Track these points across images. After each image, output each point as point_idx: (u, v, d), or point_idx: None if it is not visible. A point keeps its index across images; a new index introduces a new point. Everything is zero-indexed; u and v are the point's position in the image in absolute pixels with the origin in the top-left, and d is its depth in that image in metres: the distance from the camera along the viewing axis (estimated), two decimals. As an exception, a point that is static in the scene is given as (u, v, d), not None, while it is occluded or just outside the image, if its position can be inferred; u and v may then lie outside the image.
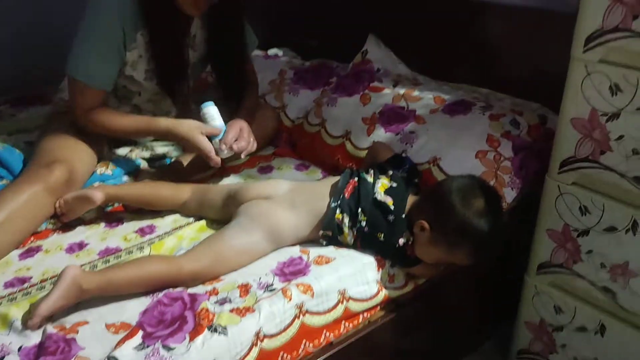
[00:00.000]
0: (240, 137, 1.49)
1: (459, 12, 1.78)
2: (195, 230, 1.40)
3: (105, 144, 1.62)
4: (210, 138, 1.46)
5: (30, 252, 1.33)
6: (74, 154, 1.46)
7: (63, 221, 1.40)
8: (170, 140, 1.64)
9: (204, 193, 1.45)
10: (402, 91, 1.71)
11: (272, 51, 2.22)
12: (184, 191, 1.45)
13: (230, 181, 1.60)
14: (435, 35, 1.83)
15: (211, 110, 1.50)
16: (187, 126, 1.45)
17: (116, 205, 1.48)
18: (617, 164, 1.25)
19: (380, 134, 1.63)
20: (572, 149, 1.30)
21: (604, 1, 1.17)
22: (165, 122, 1.47)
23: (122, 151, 1.64)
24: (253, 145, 1.52)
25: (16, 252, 1.33)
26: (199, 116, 1.50)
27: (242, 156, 1.52)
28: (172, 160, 1.65)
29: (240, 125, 1.51)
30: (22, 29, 2.09)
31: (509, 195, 1.44)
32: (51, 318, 1.10)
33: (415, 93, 1.70)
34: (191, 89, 1.68)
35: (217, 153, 1.46)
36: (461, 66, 1.82)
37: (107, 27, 1.40)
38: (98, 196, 1.38)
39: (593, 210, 1.30)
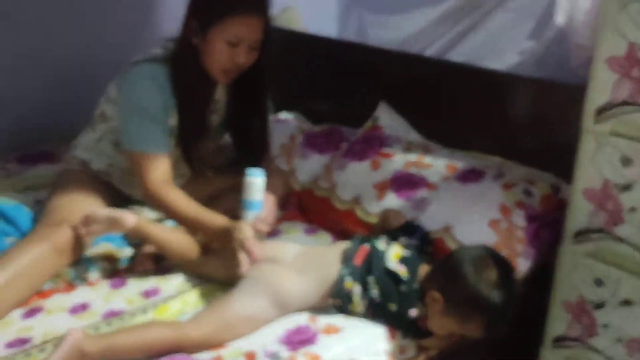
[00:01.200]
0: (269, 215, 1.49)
1: (472, 80, 1.81)
2: (200, 295, 1.38)
3: (113, 204, 1.61)
4: (243, 205, 1.43)
5: (32, 312, 1.30)
6: (82, 214, 1.45)
7: (83, 237, 1.38)
8: (217, 241, 1.49)
9: (206, 258, 1.42)
10: (413, 158, 1.71)
11: (282, 115, 2.24)
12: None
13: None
14: (447, 103, 1.85)
15: (259, 182, 1.41)
16: (242, 234, 1.36)
17: (123, 265, 1.46)
18: (630, 236, 1.24)
19: (392, 200, 1.62)
20: (585, 220, 1.29)
21: (612, 75, 1.19)
22: (223, 222, 1.41)
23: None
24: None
25: (19, 312, 1.30)
26: (212, 181, 1.49)
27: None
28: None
29: (272, 203, 1.50)
30: (34, 85, 2.12)
31: (523, 265, 1.42)
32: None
33: (427, 160, 1.70)
34: (210, 153, 1.69)
35: (243, 217, 1.43)
36: (473, 134, 1.82)
37: (148, 96, 1.43)
38: (130, 221, 1.37)
39: (608, 282, 1.28)
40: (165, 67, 1.45)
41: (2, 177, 1.86)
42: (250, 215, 1.42)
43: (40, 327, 1.25)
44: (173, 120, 1.50)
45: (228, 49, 1.41)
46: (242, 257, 1.32)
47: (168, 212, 1.47)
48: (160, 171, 1.45)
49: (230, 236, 1.36)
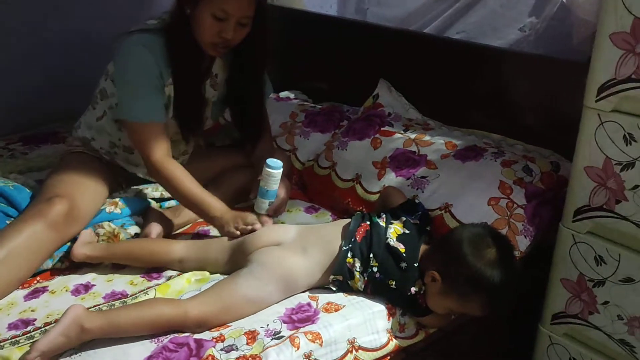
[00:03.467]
0: (282, 204, 1.50)
1: (472, 58, 1.79)
2: (203, 275, 1.38)
3: (116, 183, 1.62)
4: (260, 194, 1.45)
5: (35, 293, 1.31)
6: (77, 189, 1.44)
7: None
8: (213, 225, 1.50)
9: (204, 250, 1.40)
10: (413, 136, 1.71)
11: (283, 94, 2.24)
12: (177, 247, 1.40)
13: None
14: (447, 80, 1.84)
15: (277, 173, 1.43)
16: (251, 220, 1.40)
17: None
18: (632, 214, 1.23)
19: (391, 179, 1.62)
20: (586, 198, 1.28)
21: (616, 51, 1.17)
22: (224, 209, 1.43)
23: (133, 191, 1.64)
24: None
25: (22, 293, 1.31)
26: (215, 160, 1.48)
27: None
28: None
29: (286, 191, 1.51)
30: (37, 65, 2.11)
31: (522, 243, 1.42)
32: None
33: (427, 138, 1.70)
34: (208, 129, 1.69)
35: (256, 208, 1.46)
36: (473, 112, 1.82)
37: (144, 66, 1.42)
38: (78, 257, 1.37)
39: (608, 260, 1.27)
40: (160, 36, 1.45)
41: (6, 158, 1.87)
42: (264, 204, 1.45)
43: (43, 309, 1.26)
44: (169, 90, 1.49)
45: (215, 23, 1.40)
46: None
47: (171, 188, 1.47)
48: (161, 143, 1.45)
49: (230, 222, 1.38)
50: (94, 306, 1.27)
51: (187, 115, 1.55)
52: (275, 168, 1.42)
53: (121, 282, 1.36)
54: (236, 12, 1.39)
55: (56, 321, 1.18)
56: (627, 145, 1.20)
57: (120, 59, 1.45)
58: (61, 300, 1.29)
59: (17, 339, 1.18)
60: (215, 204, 1.43)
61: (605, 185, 1.25)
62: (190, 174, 1.46)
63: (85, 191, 1.47)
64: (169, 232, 1.53)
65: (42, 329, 1.20)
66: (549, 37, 1.72)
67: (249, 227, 1.38)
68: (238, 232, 1.38)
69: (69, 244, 1.41)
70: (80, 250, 1.38)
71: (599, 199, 1.26)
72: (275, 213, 1.48)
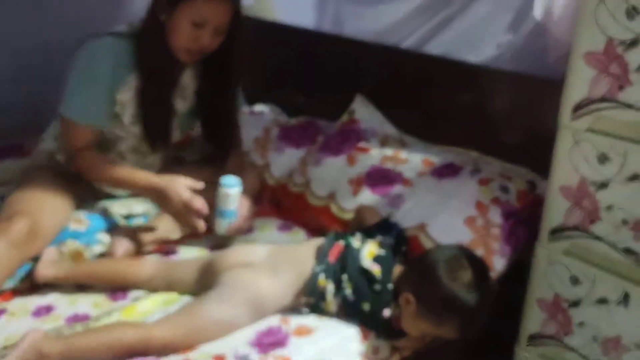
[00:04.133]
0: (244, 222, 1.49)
1: (449, 74, 1.78)
2: (170, 296, 1.34)
3: (81, 199, 1.57)
4: (217, 214, 1.42)
5: (-7, 315, 1.26)
6: (39, 206, 1.40)
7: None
8: (151, 197, 1.52)
9: (172, 270, 1.37)
10: (389, 152, 1.69)
11: (257, 108, 2.20)
12: (145, 267, 1.38)
13: (204, 243, 1.54)
14: (424, 96, 1.82)
15: (234, 193, 1.40)
16: (181, 195, 1.38)
17: None
18: (607, 235, 1.22)
19: (366, 196, 1.59)
20: (561, 218, 1.28)
21: (590, 71, 1.17)
22: (156, 180, 1.42)
23: (99, 207, 1.59)
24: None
25: (-21, 315, 1.26)
26: (176, 169, 1.45)
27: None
28: (150, 219, 1.60)
29: (248, 208, 1.50)
30: (3, 82, 2.06)
31: (499, 263, 1.40)
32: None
33: (403, 155, 1.68)
34: (177, 141, 1.65)
35: (214, 226, 1.43)
36: (450, 128, 1.81)
37: (98, 66, 1.42)
38: (42, 278, 1.32)
39: (584, 280, 1.27)
40: (127, 42, 1.44)
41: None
42: (224, 224, 1.42)
43: (1, 331, 1.21)
44: (124, 97, 1.46)
45: (192, 29, 1.40)
46: (192, 218, 1.37)
47: (98, 175, 1.48)
48: (84, 142, 1.46)
49: (165, 195, 1.38)
50: (55, 329, 1.22)
51: (153, 125, 1.52)
52: (230, 186, 1.40)
53: (84, 304, 1.31)
54: (214, 19, 1.40)
55: (15, 344, 1.13)
56: (601, 165, 1.19)
57: (78, 58, 1.44)
58: (21, 323, 1.24)
59: (-27, 365, 1.12)
60: (149, 175, 1.44)
61: (580, 205, 1.24)
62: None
63: (48, 208, 1.42)
64: (136, 251, 1.48)
65: (1, 354, 1.14)
66: (525, 55, 1.72)
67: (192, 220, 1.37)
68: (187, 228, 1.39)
69: (31, 263, 1.36)
70: (45, 271, 1.33)
71: (574, 218, 1.26)
72: (236, 232, 1.46)
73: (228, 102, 1.63)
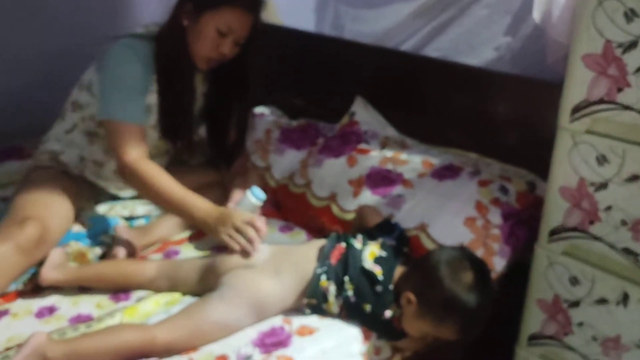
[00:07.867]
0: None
1: (447, 77, 1.79)
2: (172, 297, 1.34)
3: (84, 200, 1.57)
4: None
5: (-4, 316, 1.26)
6: (48, 210, 1.40)
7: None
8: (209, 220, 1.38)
9: (175, 270, 1.37)
10: (389, 154, 1.70)
11: (258, 110, 2.21)
12: (148, 268, 1.37)
13: (207, 244, 1.54)
14: (424, 98, 1.83)
15: (257, 205, 1.45)
16: (244, 215, 1.35)
17: None
18: (606, 235, 1.23)
19: (367, 197, 1.60)
20: (560, 218, 1.28)
21: (588, 73, 1.18)
22: (212, 206, 1.36)
23: (102, 209, 1.60)
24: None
25: (-18, 316, 1.26)
26: (180, 171, 1.44)
27: None
28: (152, 220, 1.60)
29: (264, 222, 1.44)
30: (2, 80, 2.07)
31: (499, 263, 1.41)
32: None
33: (403, 156, 1.68)
34: (194, 145, 1.65)
35: None
36: (449, 130, 1.81)
37: (131, 66, 1.42)
38: (48, 281, 1.32)
39: (583, 281, 1.27)
40: (148, 43, 1.45)
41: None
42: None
43: (4, 333, 1.22)
44: (151, 98, 1.47)
45: (216, 37, 1.42)
46: (252, 234, 1.30)
47: (148, 189, 1.38)
48: (139, 145, 1.40)
49: (222, 222, 1.32)
50: (58, 330, 1.23)
51: (170, 125, 1.52)
52: (258, 199, 1.45)
53: (87, 305, 1.31)
54: (239, 29, 1.43)
55: (18, 346, 1.14)
56: (600, 166, 1.20)
57: (108, 60, 1.44)
58: (24, 324, 1.24)
59: (-24, 366, 1.13)
60: (198, 203, 1.35)
61: (579, 205, 1.25)
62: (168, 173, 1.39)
63: (55, 212, 1.42)
64: (139, 252, 1.48)
65: (3, 355, 1.15)
66: (524, 57, 1.73)
67: (248, 235, 1.30)
68: (237, 246, 1.30)
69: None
70: (50, 274, 1.33)
71: (573, 219, 1.27)
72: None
73: (236, 113, 1.65)
